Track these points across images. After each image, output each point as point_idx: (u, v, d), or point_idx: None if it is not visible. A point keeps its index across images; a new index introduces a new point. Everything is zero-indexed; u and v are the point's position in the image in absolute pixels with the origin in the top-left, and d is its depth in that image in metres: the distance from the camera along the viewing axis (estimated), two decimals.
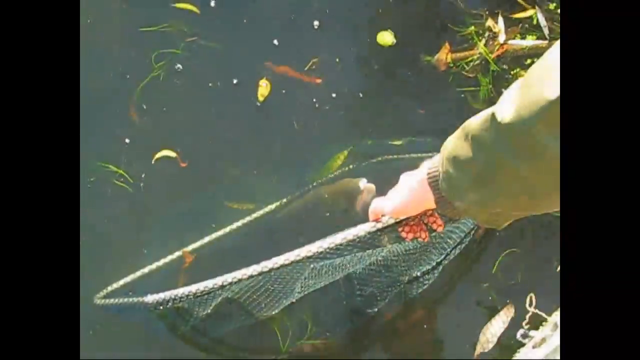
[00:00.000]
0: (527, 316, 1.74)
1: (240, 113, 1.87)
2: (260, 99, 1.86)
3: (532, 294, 1.74)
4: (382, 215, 1.19)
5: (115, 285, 1.68)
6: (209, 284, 1.37)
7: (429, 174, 1.02)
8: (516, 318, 1.77)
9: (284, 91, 1.88)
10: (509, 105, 0.80)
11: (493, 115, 0.83)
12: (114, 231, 1.75)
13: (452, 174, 0.94)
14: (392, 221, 1.19)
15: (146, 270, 1.70)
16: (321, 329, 1.75)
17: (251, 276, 1.33)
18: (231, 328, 1.68)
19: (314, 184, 1.81)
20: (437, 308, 1.80)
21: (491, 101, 1.94)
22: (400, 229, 1.21)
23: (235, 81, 1.87)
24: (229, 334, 1.71)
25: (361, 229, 1.23)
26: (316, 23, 1.91)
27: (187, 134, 1.84)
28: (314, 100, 1.88)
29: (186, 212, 1.79)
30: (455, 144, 0.93)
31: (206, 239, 1.74)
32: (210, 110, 1.86)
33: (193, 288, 1.39)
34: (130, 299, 1.58)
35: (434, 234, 1.23)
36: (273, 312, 1.60)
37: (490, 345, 1.75)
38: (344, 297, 1.72)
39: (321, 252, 1.27)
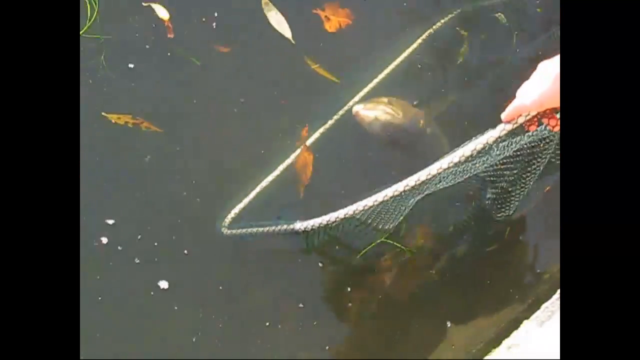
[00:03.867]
0: None
1: None
2: None
3: None
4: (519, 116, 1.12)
5: (236, 210, 1.59)
6: (354, 207, 1.36)
7: None
8: None
9: None
10: None
11: None
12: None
13: None
14: (523, 119, 1.11)
15: (263, 184, 1.61)
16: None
17: (384, 200, 1.32)
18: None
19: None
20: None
21: None
22: (527, 123, 1.13)
23: None
24: None
25: (490, 136, 1.16)
26: None
27: None
28: None
29: None
30: None
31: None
32: None
33: (340, 213, 1.38)
34: (272, 227, 1.52)
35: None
36: (391, 226, 1.54)
37: None
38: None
39: (450, 167, 1.21)
